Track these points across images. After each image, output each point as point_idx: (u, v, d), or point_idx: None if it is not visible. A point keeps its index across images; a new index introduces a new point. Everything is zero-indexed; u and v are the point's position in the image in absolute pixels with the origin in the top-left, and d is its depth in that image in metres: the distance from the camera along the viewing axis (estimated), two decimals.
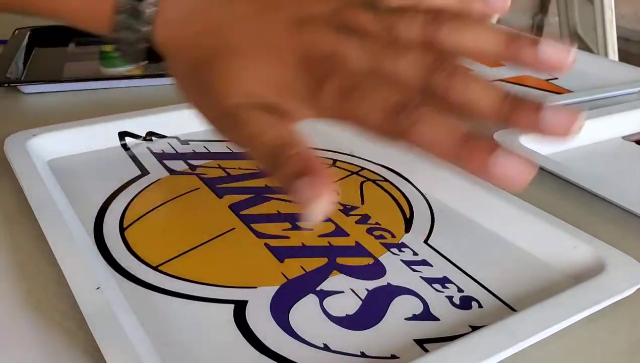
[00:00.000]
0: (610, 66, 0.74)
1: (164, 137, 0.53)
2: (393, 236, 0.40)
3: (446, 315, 0.33)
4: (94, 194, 0.44)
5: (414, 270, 0.37)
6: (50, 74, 0.69)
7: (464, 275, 0.37)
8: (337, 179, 0.47)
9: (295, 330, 0.32)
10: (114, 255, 0.37)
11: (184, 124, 0.53)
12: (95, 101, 0.61)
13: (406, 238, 0.40)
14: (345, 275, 0.36)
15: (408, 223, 0.42)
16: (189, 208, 0.43)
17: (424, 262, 0.38)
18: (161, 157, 0.49)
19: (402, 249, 0.39)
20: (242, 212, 0.42)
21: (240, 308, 0.33)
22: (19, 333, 0.31)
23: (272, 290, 0.35)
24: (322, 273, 0.36)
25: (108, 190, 0.44)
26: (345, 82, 0.27)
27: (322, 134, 0.54)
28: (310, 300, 0.34)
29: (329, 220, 0.41)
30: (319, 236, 0.40)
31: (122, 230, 0.40)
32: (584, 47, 1.90)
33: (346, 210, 0.43)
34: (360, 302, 0.34)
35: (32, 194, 0.40)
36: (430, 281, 0.36)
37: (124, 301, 0.33)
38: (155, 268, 0.36)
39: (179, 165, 0.48)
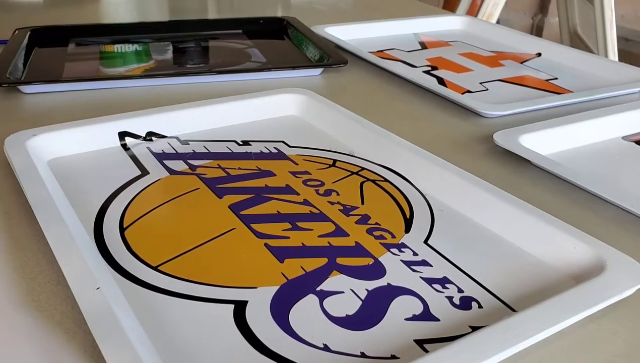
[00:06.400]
0: (610, 66, 0.74)
1: (164, 137, 0.53)
2: (393, 236, 0.40)
3: (446, 315, 0.33)
4: (94, 194, 0.44)
5: (414, 271, 0.37)
6: (50, 74, 0.69)
7: (464, 275, 0.37)
8: (337, 179, 0.47)
9: (295, 330, 0.32)
10: (114, 255, 0.37)
11: (184, 124, 0.54)
12: (95, 101, 0.61)
13: (406, 239, 0.40)
14: (345, 275, 0.36)
15: (408, 224, 0.42)
16: (189, 208, 0.43)
17: (424, 262, 0.38)
18: (161, 157, 0.49)
19: (402, 249, 0.39)
20: (242, 212, 0.42)
21: (240, 308, 0.33)
22: (18, 333, 0.31)
23: (272, 290, 0.35)
24: (322, 273, 0.36)
25: (108, 190, 0.44)
26: None
27: (322, 134, 0.54)
28: (310, 300, 0.34)
29: (329, 220, 0.41)
30: (319, 236, 0.40)
31: (122, 230, 0.40)
32: (584, 47, 1.90)
33: (346, 210, 0.43)
34: (360, 302, 0.34)
35: (32, 194, 0.40)
36: (430, 281, 0.36)
37: (124, 301, 0.33)
38: (155, 268, 0.36)
39: (179, 165, 0.48)
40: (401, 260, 0.38)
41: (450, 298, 0.35)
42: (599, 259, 0.36)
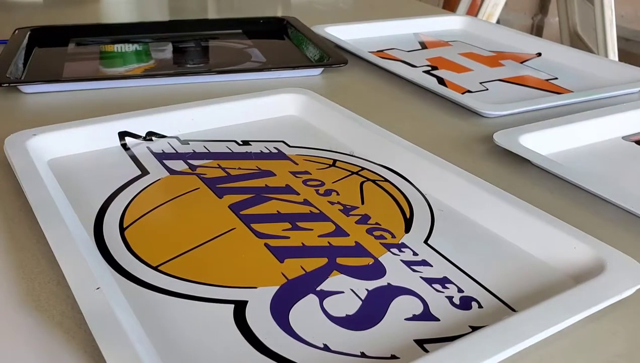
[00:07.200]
0: (610, 66, 0.74)
1: (164, 137, 0.53)
2: (393, 236, 0.40)
3: (446, 315, 0.33)
4: (94, 194, 0.44)
5: (414, 271, 0.37)
6: (50, 74, 0.69)
7: (464, 275, 0.37)
8: (337, 179, 0.47)
9: (295, 330, 0.32)
10: (114, 255, 0.37)
11: (184, 124, 0.54)
12: (95, 101, 0.61)
13: (406, 239, 0.40)
14: (345, 275, 0.36)
15: (408, 224, 0.42)
16: (189, 208, 0.43)
17: (424, 262, 0.38)
18: (161, 157, 0.49)
19: (402, 249, 0.39)
20: (242, 212, 0.42)
21: (240, 308, 0.33)
22: (18, 333, 0.31)
23: (272, 290, 0.35)
24: (322, 273, 0.36)
25: (108, 190, 0.44)
26: None
27: (322, 134, 0.54)
28: (310, 300, 0.34)
29: (329, 220, 0.41)
30: (319, 236, 0.40)
31: (122, 230, 0.40)
32: (584, 47, 1.90)
33: (346, 210, 0.43)
34: (360, 302, 0.34)
35: (32, 194, 0.40)
36: (430, 281, 0.36)
37: (124, 301, 0.33)
38: (155, 268, 0.36)
39: (179, 165, 0.48)
40: (401, 260, 0.38)
41: (450, 298, 0.35)
42: (599, 259, 0.36)
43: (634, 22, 2.65)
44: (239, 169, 0.48)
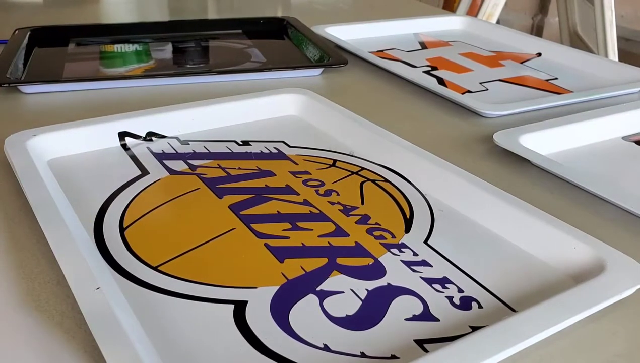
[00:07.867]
0: (610, 66, 0.74)
1: (164, 137, 0.53)
2: (393, 236, 0.40)
3: (446, 315, 0.33)
4: (94, 194, 0.44)
5: (414, 271, 0.37)
6: (50, 74, 0.69)
7: (464, 275, 0.37)
8: (337, 179, 0.47)
9: (295, 330, 0.32)
10: (114, 255, 0.37)
11: (184, 124, 0.54)
12: (95, 101, 0.61)
13: (406, 239, 0.40)
14: (345, 275, 0.36)
15: (408, 224, 0.42)
16: (189, 208, 0.43)
17: (424, 263, 0.38)
18: (161, 157, 0.49)
19: (402, 249, 0.39)
20: (242, 212, 0.42)
21: (240, 308, 0.33)
22: (18, 333, 0.31)
23: (272, 290, 0.35)
24: (322, 273, 0.36)
25: (108, 190, 0.44)
26: None
27: (322, 134, 0.54)
28: (310, 300, 0.34)
29: (329, 220, 0.41)
30: (319, 236, 0.40)
31: (122, 230, 0.40)
32: (584, 47, 1.90)
33: (346, 210, 0.43)
34: (360, 302, 0.34)
35: (32, 194, 0.40)
36: (430, 281, 0.36)
37: (124, 301, 0.33)
38: (155, 268, 0.36)
39: (179, 165, 0.48)
40: (401, 260, 0.38)
41: (450, 298, 0.35)
42: (599, 259, 0.36)
43: (634, 22, 2.65)
44: (239, 169, 0.48)
